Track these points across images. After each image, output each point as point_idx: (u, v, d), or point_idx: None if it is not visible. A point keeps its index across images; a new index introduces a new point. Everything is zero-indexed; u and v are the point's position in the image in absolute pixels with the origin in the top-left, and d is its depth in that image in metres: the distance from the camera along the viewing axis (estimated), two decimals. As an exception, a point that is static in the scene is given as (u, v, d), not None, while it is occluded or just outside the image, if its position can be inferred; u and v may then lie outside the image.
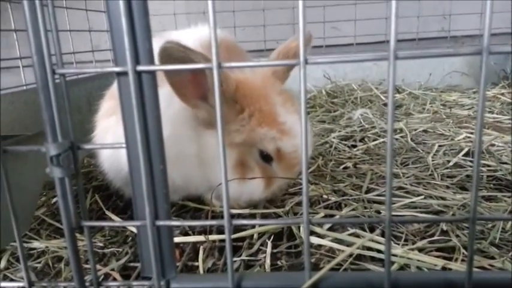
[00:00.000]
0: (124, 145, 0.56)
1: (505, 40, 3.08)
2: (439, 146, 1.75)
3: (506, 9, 3.02)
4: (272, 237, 1.10)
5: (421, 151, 1.70)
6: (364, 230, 1.09)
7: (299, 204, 1.28)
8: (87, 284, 0.63)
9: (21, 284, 0.66)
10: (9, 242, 1.11)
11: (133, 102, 0.51)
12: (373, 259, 0.98)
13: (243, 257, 1.03)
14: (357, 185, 1.39)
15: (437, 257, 0.95)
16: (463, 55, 0.49)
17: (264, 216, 1.23)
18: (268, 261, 1.00)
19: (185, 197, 1.36)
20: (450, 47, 3.29)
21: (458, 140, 1.81)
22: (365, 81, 3.11)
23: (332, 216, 1.19)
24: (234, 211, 1.24)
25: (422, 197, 1.25)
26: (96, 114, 1.38)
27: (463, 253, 0.96)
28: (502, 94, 2.62)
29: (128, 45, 0.49)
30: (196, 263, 1.02)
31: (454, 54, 0.51)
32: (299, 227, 1.12)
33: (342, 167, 1.58)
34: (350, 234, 1.06)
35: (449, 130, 1.97)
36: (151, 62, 0.52)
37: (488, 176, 1.41)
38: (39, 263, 1.08)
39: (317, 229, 1.09)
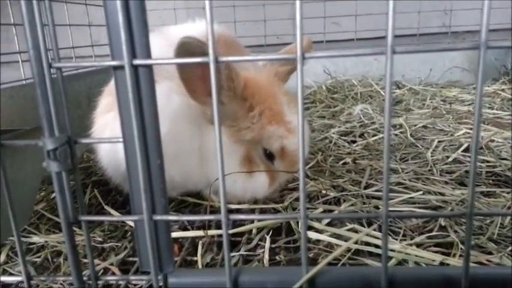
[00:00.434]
0: (121, 139, 0.56)
1: (506, 36, 3.07)
2: (439, 141, 1.75)
3: (507, 5, 3.02)
4: (271, 233, 1.11)
5: (421, 147, 1.70)
6: (363, 225, 1.09)
7: (298, 199, 1.28)
8: (85, 278, 0.64)
9: (19, 278, 0.66)
10: (8, 236, 1.11)
11: (130, 96, 0.51)
12: (371, 254, 0.98)
13: (242, 252, 1.03)
14: (356, 181, 1.39)
15: (436, 252, 0.95)
16: (460, 50, 0.49)
17: (263, 211, 1.24)
18: (266, 256, 1.01)
19: (184, 193, 1.36)
20: (451, 43, 3.28)
21: (458, 136, 1.80)
22: (365, 77, 3.11)
23: (331, 211, 1.19)
24: (232, 206, 1.24)
25: (421, 192, 1.25)
26: (95, 110, 1.38)
27: (461, 248, 0.96)
28: (503, 90, 2.62)
29: (125, 39, 0.49)
30: (195, 258, 1.03)
31: (451, 49, 0.51)
32: (298, 222, 1.13)
33: (341, 162, 1.58)
34: (348, 230, 1.07)
35: (449, 126, 1.97)
36: (148, 56, 0.52)
37: (487, 172, 1.41)
38: (39, 257, 1.08)
39: (315, 224, 1.09)
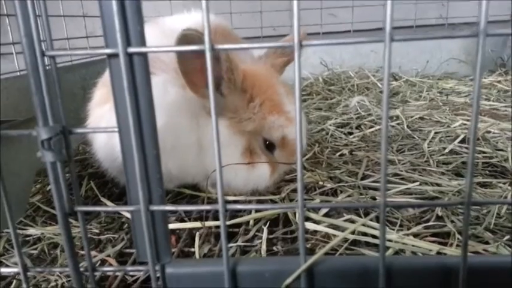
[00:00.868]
0: (116, 129, 0.55)
1: (503, 28, 3.07)
2: (435, 133, 1.75)
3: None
4: (268, 224, 1.11)
5: (417, 138, 1.70)
6: (360, 216, 1.09)
7: (295, 190, 1.28)
8: (82, 270, 0.63)
9: (16, 270, 0.66)
10: (4, 228, 1.11)
11: (124, 85, 0.50)
12: (368, 244, 0.98)
13: (239, 243, 1.03)
14: (352, 172, 1.39)
15: (432, 242, 0.95)
16: (459, 37, 0.48)
17: (260, 202, 1.24)
18: (264, 246, 1.01)
19: (181, 185, 1.36)
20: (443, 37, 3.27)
21: (454, 127, 1.80)
22: (362, 69, 3.09)
23: (328, 202, 1.19)
24: (229, 198, 1.24)
25: (418, 183, 1.25)
26: (90, 102, 1.37)
27: (458, 238, 0.96)
28: (499, 81, 2.62)
29: (119, 26, 0.48)
30: (192, 249, 1.03)
31: (450, 37, 0.50)
32: (295, 213, 1.13)
33: (338, 154, 1.58)
34: (345, 220, 1.07)
35: (446, 117, 1.97)
36: (142, 44, 0.51)
37: (483, 163, 1.41)
38: (35, 249, 1.08)
39: (312, 215, 1.09)
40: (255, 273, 0.62)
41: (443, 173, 1.34)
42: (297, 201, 0.54)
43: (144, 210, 0.57)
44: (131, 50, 0.50)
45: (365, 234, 1.00)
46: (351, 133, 1.85)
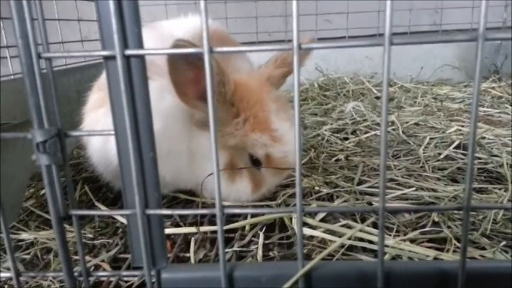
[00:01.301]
0: (113, 132, 0.54)
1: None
2: (430, 138, 1.75)
3: (499, 3, 3.04)
4: (264, 229, 1.10)
5: (413, 144, 1.71)
6: (356, 222, 1.09)
7: (291, 196, 1.27)
8: (75, 274, 0.62)
9: (8, 275, 0.65)
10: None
11: (121, 87, 0.50)
12: (365, 250, 0.98)
13: (235, 248, 1.02)
14: (348, 177, 1.39)
15: (429, 247, 0.95)
16: (458, 41, 0.48)
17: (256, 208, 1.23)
18: (260, 252, 1.00)
19: (176, 190, 1.35)
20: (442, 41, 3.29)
21: (450, 133, 1.81)
22: (357, 75, 3.11)
23: (325, 207, 1.19)
24: (225, 203, 1.23)
25: (414, 188, 1.25)
26: (84, 106, 1.36)
27: (455, 244, 0.96)
28: (493, 88, 2.64)
29: (116, 28, 0.48)
30: (187, 255, 1.02)
31: (448, 41, 0.50)
32: (291, 219, 1.12)
33: (333, 159, 1.58)
34: (342, 226, 1.06)
35: (441, 123, 1.98)
36: (140, 46, 0.50)
37: (479, 169, 1.42)
38: (28, 254, 1.06)
39: (309, 220, 1.09)
40: (251, 278, 0.61)
41: (438, 179, 1.34)
42: (294, 205, 0.54)
43: (140, 214, 0.56)
44: (128, 52, 0.50)
45: (362, 239, 1.00)
46: (346, 138, 1.85)
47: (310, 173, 1.41)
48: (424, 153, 1.58)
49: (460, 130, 1.85)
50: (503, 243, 0.96)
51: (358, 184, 1.32)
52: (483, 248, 0.95)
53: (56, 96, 0.55)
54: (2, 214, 0.59)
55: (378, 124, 1.99)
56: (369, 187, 1.29)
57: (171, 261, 0.99)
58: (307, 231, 1.05)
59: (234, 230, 1.10)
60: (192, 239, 1.06)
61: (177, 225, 1.16)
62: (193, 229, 1.10)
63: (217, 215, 0.55)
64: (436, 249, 0.95)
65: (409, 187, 1.27)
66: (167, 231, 1.10)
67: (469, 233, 1.00)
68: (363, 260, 0.92)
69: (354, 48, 3.18)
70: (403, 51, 3.14)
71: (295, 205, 0.54)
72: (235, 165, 1.21)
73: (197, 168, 1.22)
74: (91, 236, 1.14)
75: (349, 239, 0.99)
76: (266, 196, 1.28)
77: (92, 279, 0.63)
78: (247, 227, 1.12)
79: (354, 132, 1.94)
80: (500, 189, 1.25)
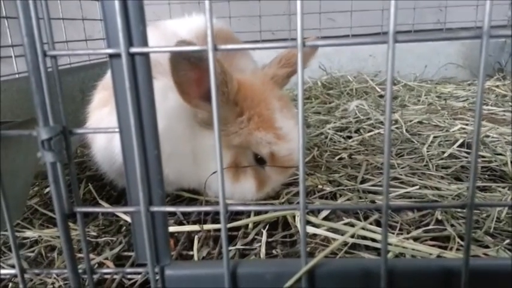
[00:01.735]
0: (117, 130, 0.55)
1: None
2: (434, 137, 1.75)
3: (503, 2, 3.03)
4: (267, 227, 1.10)
5: (416, 142, 1.70)
6: (359, 220, 1.09)
7: (294, 195, 1.27)
8: (80, 271, 0.63)
9: (13, 271, 0.65)
10: (1, 229, 1.10)
11: (126, 85, 0.50)
12: (368, 248, 0.98)
13: (238, 246, 1.03)
14: (352, 176, 1.38)
15: (432, 246, 0.95)
16: (462, 39, 0.48)
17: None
18: (263, 250, 1.00)
19: (179, 188, 1.35)
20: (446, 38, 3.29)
21: (453, 132, 1.81)
22: (360, 73, 3.11)
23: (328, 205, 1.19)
24: (229, 201, 1.23)
25: (417, 187, 1.25)
26: (89, 105, 1.36)
27: (458, 242, 0.96)
28: (497, 86, 2.63)
29: (121, 25, 0.48)
30: (190, 252, 1.02)
31: (453, 38, 0.50)
32: (294, 217, 1.12)
33: (337, 157, 1.58)
34: (345, 224, 1.06)
35: (444, 121, 1.97)
36: (145, 44, 0.51)
37: (483, 167, 1.41)
38: (32, 252, 1.07)
39: (312, 218, 1.09)
40: (255, 275, 0.61)
41: (442, 177, 1.34)
42: (297, 203, 0.54)
43: (145, 211, 0.56)
44: (133, 50, 0.50)
45: (365, 238, 1.00)
46: (350, 137, 1.85)
47: (314, 171, 1.41)
48: (427, 151, 1.58)
49: (464, 128, 1.84)
50: (507, 241, 0.96)
51: (362, 183, 1.32)
52: (487, 247, 0.95)
53: (61, 94, 0.55)
54: (7, 212, 0.59)
55: (381, 122, 1.99)
56: (373, 185, 1.29)
57: (174, 259, 0.99)
58: (310, 229, 1.05)
59: (237, 228, 1.11)
60: (196, 237, 1.07)
61: (181, 224, 1.16)
62: (196, 227, 1.11)
63: (221, 212, 0.55)
64: (440, 247, 0.95)
65: (413, 185, 1.27)
66: (170, 229, 1.10)
67: (473, 231, 1.00)
68: (366, 258, 0.92)
69: (358, 46, 3.19)
70: (407, 50, 3.14)
71: (298, 203, 0.54)
72: (239, 164, 1.21)
73: (200, 167, 1.22)
74: (95, 234, 1.14)
75: (352, 237, 0.99)
76: (272, 194, 1.28)
77: (95, 276, 0.63)
78: (250, 225, 1.12)
79: (357, 131, 1.94)
80: (504, 187, 1.24)
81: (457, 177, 1.35)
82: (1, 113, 1.44)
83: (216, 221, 1.16)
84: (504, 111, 2.13)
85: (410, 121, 2.01)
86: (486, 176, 1.35)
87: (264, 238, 1.04)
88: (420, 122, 2.01)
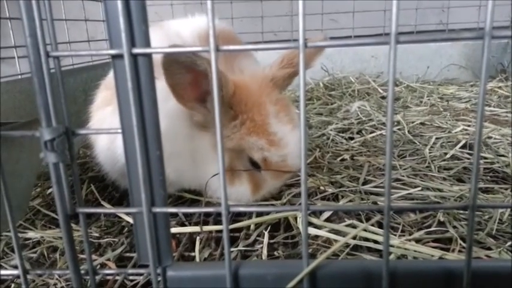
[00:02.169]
0: (120, 130, 0.55)
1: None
2: (436, 138, 1.75)
3: (502, 3, 3.02)
4: (269, 228, 1.10)
5: (418, 143, 1.70)
6: (361, 222, 1.09)
7: (296, 196, 1.27)
8: (82, 272, 0.63)
9: (16, 272, 0.65)
10: (4, 230, 1.10)
11: (129, 86, 0.50)
12: (369, 250, 0.97)
13: (240, 247, 1.03)
14: (354, 177, 1.38)
15: (434, 247, 0.95)
16: (465, 39, 0.48)
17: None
18: (265, 251, 1.00)
19: (181, 189, 1.35)
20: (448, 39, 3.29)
21: (456, 133, 1.80)
22: (362, 74, 3.10)
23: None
24: (230, 203, 1.23)
25: (420, 188, 1.25)
26: (91, 105, 1.36)
27: (460, 244, 0.96)
28: (500, 87, 2.62)
29: (124, 26, 0.48)
30: (192, 254, 1.02)
31: (455, 39, 0.50)
32: (296, 218, 1.12)
33: (339, 159, 1.58)
34: (347, 225, 1.06)
35: (447, 123, 1.97)
36: (147, 44, 0.51)
37: (485, 169, 1.41)
38: (35, 253, 1.07)
39: (314, 220, 1.09)
40: (257, 277, 0.61)
41: (444, 179, 1.34)
42: (299, 204, 0.54)
43: (147, 212, 0.56)
44: (136, 50, 0.50)
45: (366, 239, 1.00)
46: (352, 138, 1.85)
47: (315, 172, 1.41)
48: (430, 153, 1.57)
49: (466, 130, 1.84)
50: (509, 243, 0.95)
51: (364, 184, 1.32)
52: (489, 248, 0.94)
53: (64, 95, 0.55)
54: (10, 213, 0.59)
55: (383, 124, 1.99)
56: (374, 187, 1.29)
57: (176, 260, 0.99)
58: (312, 230, 1.05)
59: (239, 230, 1.11)
60: (197, 238, 1.07)
61: (183, 225, 1.16)
62: (198, 228, 1.11)
63: (223, 213, 0.55)
64: (442, 249, 0.94)
65: (415, 187, 1.26)
66: (172, 230, 1.10)
67: (475, 232, 1.00)
68: (368, 260, 0.92)
69: (360, 47, 3.19)
70: (409, 51, 3.13)
71: (300, 204, 0.54)
72: (234, 167, 1.21)
73: (199, 168, 1.22)
74: (97, 235, 1.14)
75: (354, 238, 0.99)
76: (268, 197, 1.27)
77: (98, 277, 0.63)
78: (252, 227, 1.12)
79: (359, 132, 1.93)
80: (506, 189, 1.24)
81: (459, 178, 1.35)
82: (4, 114, 1.44)
83: (218, 222, 1.16)
84: (506, 112, 2.13)
85: (413, 122, 2.01)
86: (488, 177, 1.35)
87: (265, 239, 1.04)
88: (422, 123, 2.01)
